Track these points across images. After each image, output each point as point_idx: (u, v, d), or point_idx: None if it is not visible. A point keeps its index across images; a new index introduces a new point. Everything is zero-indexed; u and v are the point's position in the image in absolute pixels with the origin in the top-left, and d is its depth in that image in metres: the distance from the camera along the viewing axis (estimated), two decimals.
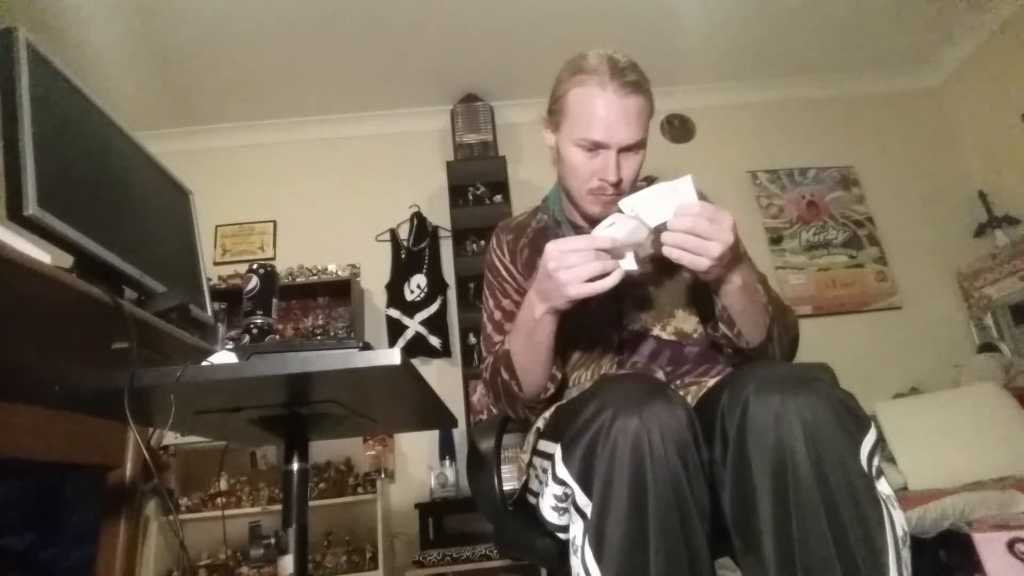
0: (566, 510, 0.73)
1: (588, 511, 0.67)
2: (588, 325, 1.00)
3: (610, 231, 0.79)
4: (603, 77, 0.92)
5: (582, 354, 1.02)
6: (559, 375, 0.97)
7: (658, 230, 0.80)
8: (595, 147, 0.94)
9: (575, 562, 0.67)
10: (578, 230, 1.07)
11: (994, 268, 3.11)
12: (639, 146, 0.95)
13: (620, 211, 0.81)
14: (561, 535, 0.77)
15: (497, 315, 1.08)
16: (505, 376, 0.96)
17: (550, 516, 0.77)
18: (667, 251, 0.79)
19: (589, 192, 0.97)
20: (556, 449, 0.74)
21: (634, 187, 0.98)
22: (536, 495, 0.85)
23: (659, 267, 1.03)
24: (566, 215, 1.10)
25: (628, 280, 1.01)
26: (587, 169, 0.96)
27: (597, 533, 0.65)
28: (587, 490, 0.68)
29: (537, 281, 0.86)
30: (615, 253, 0.80)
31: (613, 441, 0.66)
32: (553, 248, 0.81)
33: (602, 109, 0.92)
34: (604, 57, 0.94)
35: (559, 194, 1.11)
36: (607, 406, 0.68)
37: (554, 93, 1.00)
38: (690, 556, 0.64)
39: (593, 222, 1.01)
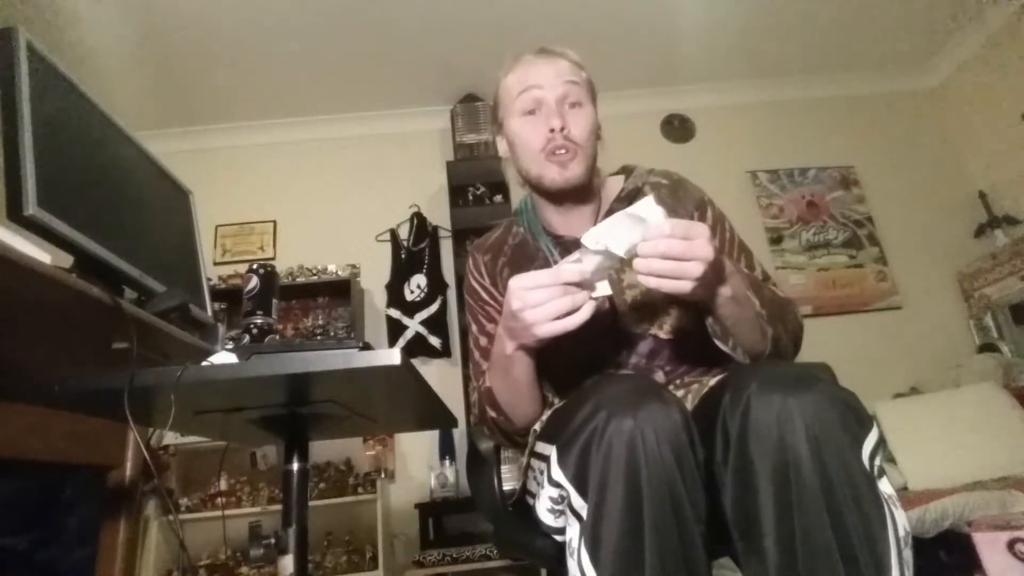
0: (562, 512, 0.73)
1: (584, 513, 0.67)
2: (584, 330, 1.00)
3: (577, 265, 0.74)
4: (528, 55, 1.00)
5: (581, 359, 1.01)
6: (554, 401, 0.95)
7: (633, 255, 0.74)
8: (534, 106, 0.96)
9: (572, 564, 0.67)
10: (558, 240, 1.04)
11: (994, 268, 3.11)
12: (580, 102, 0.97)
13: (584, 245, 0.74)
14: (558, 537, 0.76)
15: (483, 341, 1.04)
16: (493, 414, 0.94)
17: (546, 518, 0.76)
18: (643, 280, 0.72)
19: (543, 154, 0.96)
20: (552, 451, 0.73)
21: (590, 146, 0.98)
22: (534, 496, 0.85)
23: None
24: (542, 225, 1.07)
25: (622, 282, 1.01)
26: (534, 130, 0.96)
27: (593, 535, 0.65)
28: (582, 492, 0.67)
29: (503, 318, 0.81)
30: (586, 284, 0.75)
31: (608, 442, 0.65)
32: (515, 285, 0.75)
33: (534, 65, 0.98)
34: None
35: (528, 203, 1.10)
36: (601, 407, 0.68)
37: (494, 99, 1.05)
38: (686, 557, 0.63)
39: (563, 199, 1.01)
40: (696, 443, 0.69)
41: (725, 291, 0.80)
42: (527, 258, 1.05)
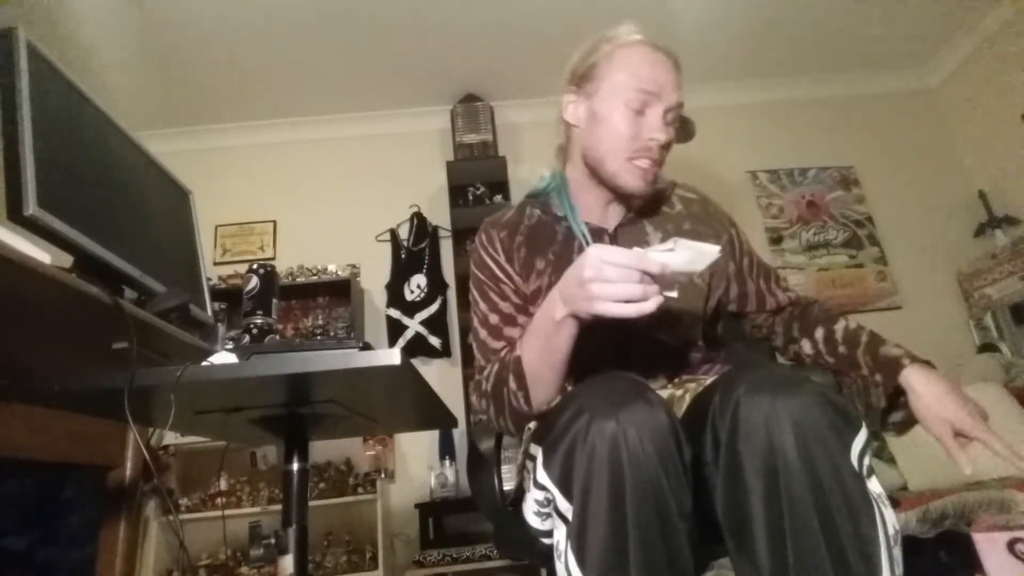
0: (549, 515, 0.73)
1: (569, 515, 0.67)
2: (588, 330, 0.99)
3: (665, 256, 0.69)
4: (649, 41, 0.98)
5: (584, 360, 1.00)
6: (569, 388, 0.94)
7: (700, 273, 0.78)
8: (644, 104, 0.93)
9: (559, 567, 0.67)
10: (586, 224, 1.01)
11: (994, 268, 3.11)
12: (676, 119, 0.96)
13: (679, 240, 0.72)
14: (545, 540, 0.76)
15: (494, 319, 0.98)
16: (513, 386, 0.87)
17: (533, 521, 0.76)
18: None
19: (631, 157, 0.93)
20: (538, 452, 0.73)
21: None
22: None
23: None
24: (574, 207, 1.02)
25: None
26: (634, 128, 0.92)
27: (578, 537, 0.65)
28: (567, 494, 0.67)
29: (564, 282, 0.77)
30: (661, 280, 0.70)
31: (591, 444, 0.65)
32: (595, 255, 0.70)
33: (657, 64, 0.95)
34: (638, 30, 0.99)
35: (562, 180, 1.05)
36: (584, 410, 0.68)
37: (586, 59, 0.99)
38: (671, 557, 0.63)
39: (619, 196, 0.99)
40: (683, 443, 0.69)
41: None
42: (545, 239, 1.01)
